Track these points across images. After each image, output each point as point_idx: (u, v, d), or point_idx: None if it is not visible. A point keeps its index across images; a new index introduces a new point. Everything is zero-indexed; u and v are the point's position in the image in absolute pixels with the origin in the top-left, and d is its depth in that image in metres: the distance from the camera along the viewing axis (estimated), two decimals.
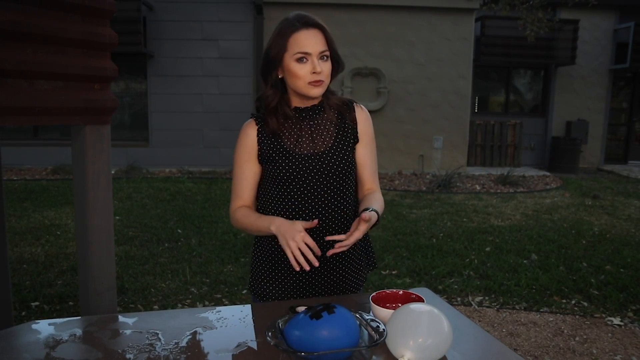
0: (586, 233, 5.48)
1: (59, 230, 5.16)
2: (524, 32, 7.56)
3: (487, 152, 10.79)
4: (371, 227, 1.47)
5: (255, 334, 1.36)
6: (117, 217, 5.66)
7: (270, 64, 1.50)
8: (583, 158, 11.14)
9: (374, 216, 1.43)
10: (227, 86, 9.32)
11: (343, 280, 1.66)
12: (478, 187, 8.44)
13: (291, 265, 1.54)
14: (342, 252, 1.60)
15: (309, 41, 1.45)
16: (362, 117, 1.61)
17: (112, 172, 4.34)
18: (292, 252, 1.38)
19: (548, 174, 9.97)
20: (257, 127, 1.56)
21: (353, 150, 1.59)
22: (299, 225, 1.41)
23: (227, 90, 9.34)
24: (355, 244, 1.63)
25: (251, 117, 1.59)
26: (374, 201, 1.53)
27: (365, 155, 1.62)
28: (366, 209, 1.46)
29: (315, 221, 1.41)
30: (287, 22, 1.48)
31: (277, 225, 1.45)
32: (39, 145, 9.35)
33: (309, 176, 1.53)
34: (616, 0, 10.73)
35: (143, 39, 8.79)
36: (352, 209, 1.63)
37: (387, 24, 9.35)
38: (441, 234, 5.33)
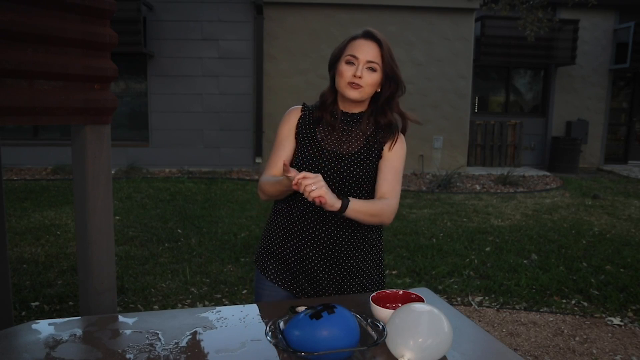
0: (586, 233, 5.48)
1: (59, 230, 5.16)
2: (524, 32, 7.56)
3: (487, 152, 10.79)
4: (336, 213, 1.48)
5: (256, 334, 1.36)
6: (117, 217, 5.66)
7: (331, 64, 1.68)
8: (583, 158, 11.14)
9: (320, 189, 1.39)
10: (227, 86, 9.32)
11: (340, 286, 1.71)
12: (478, 187, 8.44)
13: (297, 251, 1.68)
14: (347, 259, 1.68)
15: (361, 48, 1.60)
16: (398, 143, 1.68)
17: (112, 172, 4.34)
18: (296, 178, 1.39)
19: (548, 174, 9.97)
20: (301, 113, 1.72)
21: (375, 165, 1.66)
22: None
23: (227, 90, 9.34)
24: (364, 260, 1.71)
25: (301, 105, 1.76)
26: (365, 200, 1.57)
27: (385, 168, 1.65)
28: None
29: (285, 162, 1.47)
30: (354, 33, 1.66)
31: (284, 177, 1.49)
32: (39, 145, 9.35)
33: (323, 170, 1.62)
34: (616, 0, 10.73)
35: (143, 39, 8.78)
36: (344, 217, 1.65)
37: (387, 24, 9.35)
38: (441, 234, 5.33)
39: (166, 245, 4.79)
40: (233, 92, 9.35)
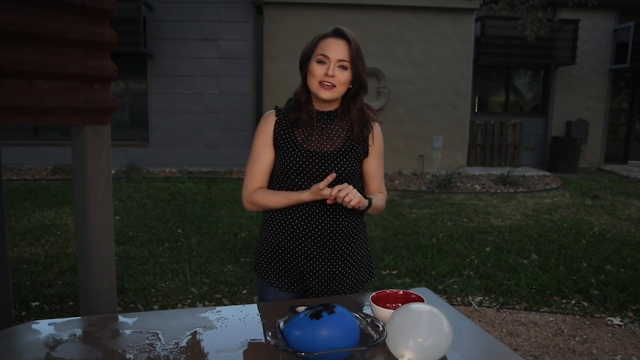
0: (586, 233, 5.48)
1: (59, 230, 5.16)
2: (524, 32, 7.56)
3: (487, 152, 10.79)
4: (363, 210, 1.66)
5: (255, 334, 1.36)
6: (117, 217, 5.66)
7: (302, 62, 1.69)
8: (583, 158, 11.14)
9: (353, 193, 1.54)
10: (227, 86, 9.32)
11: (341, 280, 1.73)
12: (478, 187, 8.44)
13: (293, 252, 1.70)
14: (344, 252, 1.71)
15: (331, 47, 1.62)
16: (376, 134, 1.75)
17: (112, 172, 4.34)
18: (332, 194, 1.54)
19: (548, 174, 9.97)
20: (276, 118, 1.72)
21: (359, 161, 1.71)
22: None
23: (227, 90, 9.34)
24: (357, 251, 1.75)
25: (274, 109, 1.75)
26: (374, 197, 1.73)
27: (374, 167, 1.76)
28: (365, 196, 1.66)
29: (333, 174, 1.56)
30: (324, 31, 1.67)
31: (308, 193, 1.61)
32: (39, 145, 9.35)
33: (310, 172, 1.64)
34: (616, 0, 10.73)
35: (143, 39, 8.78)
36: (349, 211, 1.70)
37: (387, 24, 9.35)
38: (441, 234, 5.33)
39: (166, 245, 4.79)
40: (233, 92, 9.35)
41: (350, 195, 1.52)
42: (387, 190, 8.18)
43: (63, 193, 7.00)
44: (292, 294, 1.74)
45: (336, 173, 1.62)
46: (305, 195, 1.61)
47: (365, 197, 1.64)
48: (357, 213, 1.71)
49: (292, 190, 1.67)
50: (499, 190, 8.21)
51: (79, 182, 2.08)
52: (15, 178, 8.18)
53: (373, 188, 1.78)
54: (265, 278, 1.76)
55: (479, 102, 11.49)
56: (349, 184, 1.64)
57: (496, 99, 11.63)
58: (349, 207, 1.54)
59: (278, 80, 9.24)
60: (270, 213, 1.74)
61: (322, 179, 1.62)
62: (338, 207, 1.67)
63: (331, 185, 1.59)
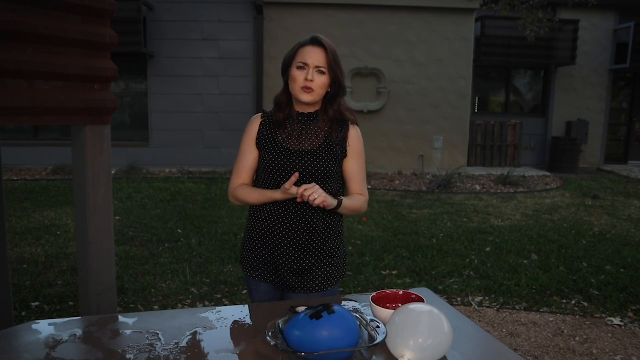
0: (586, 233, 5.48)
1: (59, 230, 5.16)
2: (524, 32, 7.57)
3: (487, 152, 10.79)
4: (332, 210, 1.74)
5: (255, 334, 1.36)
6: (117, 217, 5.66)
7: (283, 69, 1.83)
8: (583, 158, 11.14)
9: (318, 191, 1.62)
10: (227, 86, 9.32)
11: (313, 273, 1.83)
12: (478, 187, 8.44)
13: (267, 244, 1.82)
14: (315, 246, 1.82)
15: (310, 54, 1.75)
16: (353, 135, 1.83)
17: (112, 172, 4.34)
18: (298, 192, 1.63)
19: (548, 174, 9.97)
20: (261, 120, 1.87)
21: (338, 160, 1.81)
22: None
23: (227, 90, 9.34)
24: (330, 246, 1.85)
25: (260, 112, 1.90)
26: (349, 198, 1.82)
27: (353, 168, 1.85)
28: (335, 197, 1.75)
29: (295, 174, 1.66)
30: (303, 38, 1.79)
31: (279, 192, 1.72)
32: (39, 145, 9.35)
33: (289, 168, 1.75)
34: (616, 0, 10.73)
35: (143, 39, 8.78)
36: (321, 209, 1.79)
37: (387, 24, 9.35)
38: (441, 234, 5.33)
39: (166, 245, 4.79)
40: (233, 92, 9.35)
41: (314, 194, 1.61)
42: (387, 190, 8.24)
43: (63, 193, 7.00)
44: (269, 285, 1.86)
45: (313, 170, 1.74)
46: (277, 194, 1.73)
47: (336, 197, 1.74)
48: (330, 211, 1.78)
49: (273, 186, 1.78)
50: (498, 190, 8.21)
51: (79, 182, 2.08)
52: (15, 178, 8.18)
53: (352, 189, 1.87)
54: (244, 268, 1.90)
55: (479, 102, 11.49)
56: (326, 182, 1.77)
57: (496, 99, 11.63)
58: (313, 205, 1.62)
59: (278, 80, 9.14)
60: (252, 208, 1.87)
61: (301, 176, 1.73)
62: (309, 204, 1.76)
63: (301, 183, 1.70)
